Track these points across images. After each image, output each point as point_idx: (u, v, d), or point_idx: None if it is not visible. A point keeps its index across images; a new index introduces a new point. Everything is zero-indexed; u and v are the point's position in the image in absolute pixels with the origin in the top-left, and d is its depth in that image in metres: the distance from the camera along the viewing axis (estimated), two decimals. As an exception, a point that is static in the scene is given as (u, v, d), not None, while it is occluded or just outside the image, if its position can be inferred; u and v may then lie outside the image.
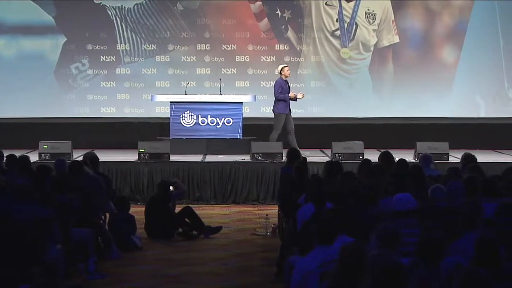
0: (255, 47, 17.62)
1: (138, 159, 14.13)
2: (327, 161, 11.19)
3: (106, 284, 8.66)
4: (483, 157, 12.96)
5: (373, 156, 12.28)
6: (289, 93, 14.86)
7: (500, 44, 17.71)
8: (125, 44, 17.51)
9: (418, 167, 9.29)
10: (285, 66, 15.08)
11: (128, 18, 17.51)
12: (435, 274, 5.35)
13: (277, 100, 14.86)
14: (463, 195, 7.83)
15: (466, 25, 17.77)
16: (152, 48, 17.58)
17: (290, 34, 17.62)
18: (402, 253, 5.85)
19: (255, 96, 16.05)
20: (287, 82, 14.99)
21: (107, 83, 17.57)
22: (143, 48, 17.55)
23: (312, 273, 5.71)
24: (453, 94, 17.78)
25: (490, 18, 17.75)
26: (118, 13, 17.50)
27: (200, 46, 17.60)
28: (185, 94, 15.70)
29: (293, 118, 15.01)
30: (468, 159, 10.24)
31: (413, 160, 13.42)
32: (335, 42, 17.64)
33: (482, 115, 17.79)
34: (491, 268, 5.15)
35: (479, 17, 17.76)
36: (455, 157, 13.77)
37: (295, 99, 14.93)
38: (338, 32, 17.61)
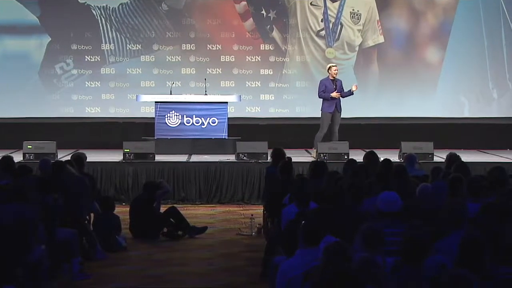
0: (240, 47, 17.61)
1: (123, 159, 14.11)
2: (312, 161, 11.21)
3: (91, 284, 8.64)
4: (467, 156, 13.01)
5: (358, 156, 12.29)
6: (334, 92, 14.73)
7: (484, 44, 17.77)
8: (110, 44, 17.47)
9: (402, 167, 9.33)
10: (333, 66, 14.98)
11: (112, 17, 17.47)
12: (419, 274, 5.36)
13: (322, 99, 14.82)
14: (447, 195, 7.85)
15: (450, 25, 17.83)
16: (137, 48, 17.54)
17: (275, 34, 17.62)
18: (386, 252, 5.87)
19: (240, 96, 16.07)
20: (335, 81, 14.82)
21: (91, 83, 17.52)
22: (128, 48, 17.52)
23: (297, 279, 5.70)
24: (438, 94, 17.84)
25: (475, 18, 17.81)
26: (103, 13, 17.45)
27: (185, 46, 17.58)
28: (170, 94, 15.68)
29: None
30: (453, 159, 10.28)
31: (398, 160, 13.46)
32: (320, 42, 17.66)
33: (467, 115, 17.85)
34: (475, 268, 5.17)
35: (464, 17, 17.82)
36: (440, 157, 13.82)
37: (339, 97, 14.77)
38: (323, 32, 17.64)
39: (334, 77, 14.83)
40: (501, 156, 15.29)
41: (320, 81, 15.04)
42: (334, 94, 14.71)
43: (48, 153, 13.86)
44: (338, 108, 14.84)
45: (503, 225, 6.31)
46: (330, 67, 14.96)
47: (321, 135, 14.83)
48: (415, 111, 17.62)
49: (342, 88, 14.91)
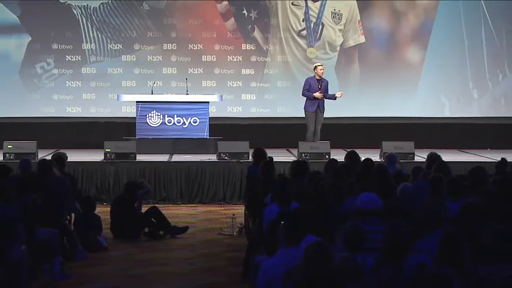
0: (221, 46, 17.60)
1: (104, 158, 14.07)
2: (293, 161, 11.21)
3: (72, 284, 8.61)
4: (447, 156, 13.06)
5: (339, 155, 12.32)
6: (319, 91, 14.69)
7: (465, 44, 17.86)
8: (90, 43, 17.42)
9: (383, 167, 9.35)
10: (318, 65, 14.95)
11: (93, 17, 17.41)
12: (399, 273, 5.38)
13: (306, 98, 14.82)
14: (428, 195, 7.87)
15: (431, 25, 17.90)
16: (118, 48, 17.50)
17: (257, 34, 17.63)
18: (367, 249, 5.88)
19: (221, 95, 16.04)
20: (321, 81, 14.79)
21: (72, 82, 17.46)
22: (109, 48, 17.47)
23: (278, 278, 5.70)
24: (419, 94, 17.91)
25: (455, 18, 17.89)
26: (84, 12, 17.40)
27: (167, 46, 17.55)
28: (152, 93, 15.66)
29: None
30: (433, 159, 10.31)
31: (379, 160, 13.50)
32: (302, 42, 17.68)
33: (447, 115, 17.93)
34: (455, 264, 5.19)
35: (444, 17, 17.90)
36: (421, 156, 13.86)
37: (324, 98, 14.75)
38: (304, 32, 17.66)
39: (320, 77, 14.83)
40: (482, 156, 15.36)
41: (306, 79, 15.05)
42: (316, 94, 14.70)
43: (28, 153, 13.80)
44: (320, 108, 14.84)
45: (483, 225, 6.34)
46: (316, 67, 14.97)
47: (310, 133, 14.84)
48: (396, 111, 17.68)
49: (327, 89, 14.91)
